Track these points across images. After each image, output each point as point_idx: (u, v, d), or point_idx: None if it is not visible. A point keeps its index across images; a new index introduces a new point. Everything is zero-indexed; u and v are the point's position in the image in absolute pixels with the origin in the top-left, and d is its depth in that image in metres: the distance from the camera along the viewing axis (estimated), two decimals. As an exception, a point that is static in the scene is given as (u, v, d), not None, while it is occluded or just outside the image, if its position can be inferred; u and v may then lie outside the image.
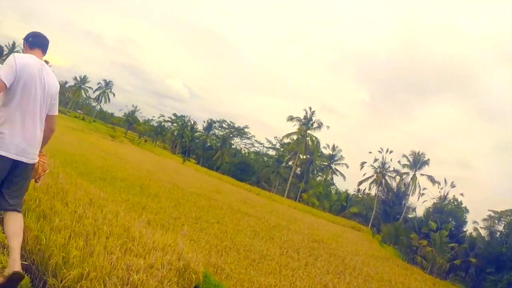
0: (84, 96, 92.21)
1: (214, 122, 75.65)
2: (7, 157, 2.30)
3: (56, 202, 3.97)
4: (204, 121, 74.76)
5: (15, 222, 2.37)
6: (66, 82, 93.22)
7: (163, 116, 79.50)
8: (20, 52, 2.84)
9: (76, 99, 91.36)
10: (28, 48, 2.54)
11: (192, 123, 74.11)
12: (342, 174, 53.46)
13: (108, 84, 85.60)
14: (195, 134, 72.73)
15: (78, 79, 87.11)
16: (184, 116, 74.94)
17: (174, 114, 77.95)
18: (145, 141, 65.52)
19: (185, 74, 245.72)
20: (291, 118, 51.70)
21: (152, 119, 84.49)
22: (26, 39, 2.56)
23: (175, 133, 72.56)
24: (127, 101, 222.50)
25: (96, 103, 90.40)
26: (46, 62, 2.68)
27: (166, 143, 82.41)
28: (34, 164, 2.50)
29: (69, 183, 4.83)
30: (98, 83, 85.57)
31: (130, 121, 73.73)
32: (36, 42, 2.55)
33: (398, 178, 45.25)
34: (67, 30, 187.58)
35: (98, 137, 29.00)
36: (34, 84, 2.33)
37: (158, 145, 78.30)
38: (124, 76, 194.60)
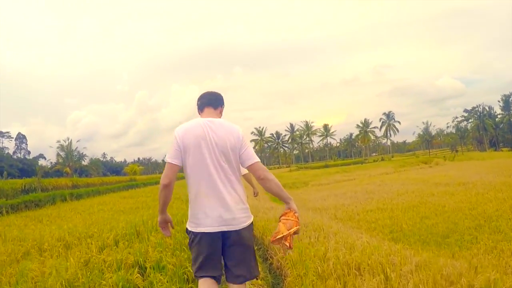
0: (373, 137, 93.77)
1: (509, 96, 69.26)
2: (205, 232, 2.17)
3: None
4: (498, 101, 69.66)
5: None
6: (351, 134, 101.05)
7: (456, 117, 77.01)
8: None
9: (366, 144, 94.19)
10: (200, 111, 2.45)
11: (487, 109, 69.90)
12: None
13: (389, 116, 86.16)
14: (496, 120, 68.50)
15: (360, 125, 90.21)
16: (476, 107, 71.37)
17: (465, 110, 75.05)
18: (456, 151, 63.32)
19: (448, 67, 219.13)
20: None
21: (448, 126, 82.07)
22: (197, 104, 2.50)
23: (476, 129, 70.01)
24: (410, 123, 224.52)
25: (386, 139, 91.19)
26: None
27: (469, 145, 78.25)
28: (244, 228, 2.20)
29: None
30: (380, 119, 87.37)
31: (428, 139, 75.41)
32: (203, 103, 2.43)
33: None
34: (324, 89, 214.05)
35: (414, 171, 26.86)
36: (200, 146, 2.14)
37: (464, 149, 74.05)
38: (395, 102, 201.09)
